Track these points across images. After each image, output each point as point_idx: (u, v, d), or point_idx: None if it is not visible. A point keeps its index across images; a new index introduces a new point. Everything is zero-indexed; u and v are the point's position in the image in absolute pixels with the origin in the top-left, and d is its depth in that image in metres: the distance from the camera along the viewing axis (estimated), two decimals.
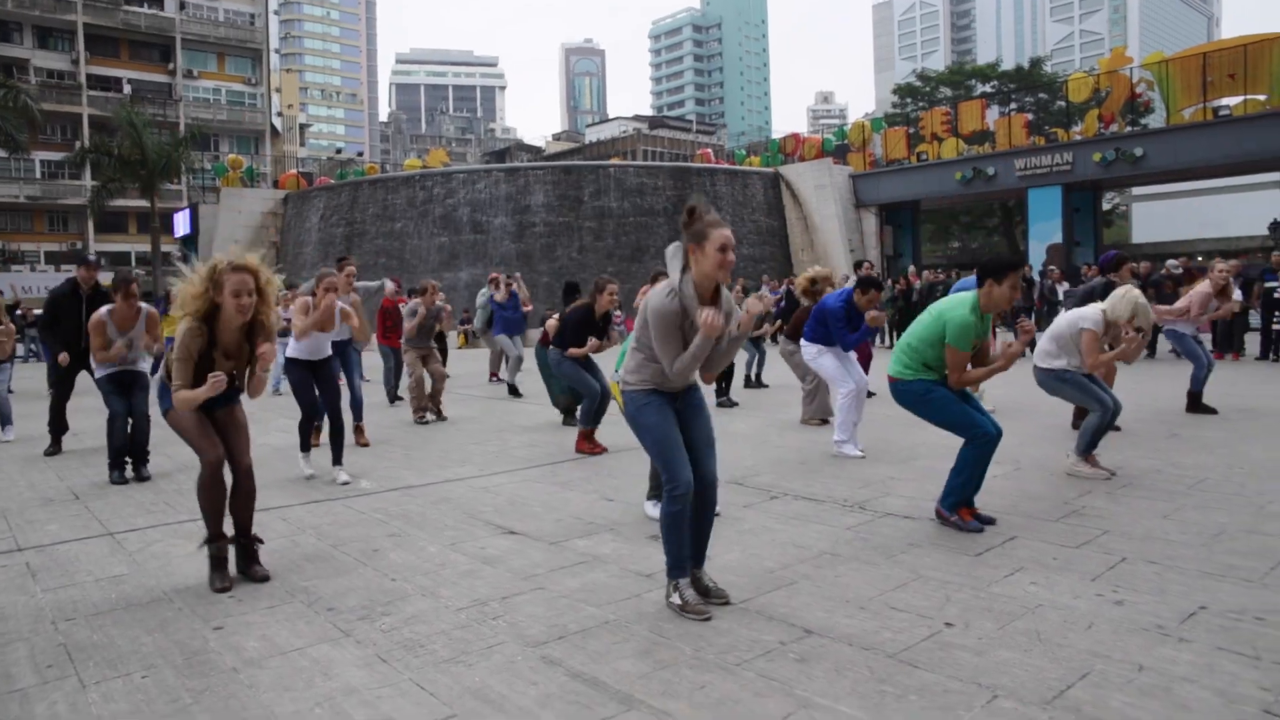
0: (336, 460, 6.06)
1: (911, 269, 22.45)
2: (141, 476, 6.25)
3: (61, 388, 7.56)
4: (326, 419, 6.19)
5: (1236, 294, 8.62)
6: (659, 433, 3.23)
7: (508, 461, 6.58)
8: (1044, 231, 25.35)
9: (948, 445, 4.74)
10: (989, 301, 4.24)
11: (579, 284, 9.46)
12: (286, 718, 2.52)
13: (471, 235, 29.04)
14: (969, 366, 4.35)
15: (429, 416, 8.96)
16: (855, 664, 2.74)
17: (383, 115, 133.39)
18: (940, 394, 4.33)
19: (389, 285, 9.50)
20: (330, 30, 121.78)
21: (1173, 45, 73.26)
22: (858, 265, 13.91)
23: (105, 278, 7.33)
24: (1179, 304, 8.02)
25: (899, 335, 5.34)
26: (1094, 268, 15.09)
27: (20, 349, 25.18)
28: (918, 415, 4.45)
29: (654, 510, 4.52)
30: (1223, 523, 4.20)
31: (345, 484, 5.87)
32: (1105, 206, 35.12)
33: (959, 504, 4.26)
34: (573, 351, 7.03)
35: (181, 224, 35.11)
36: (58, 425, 7.54)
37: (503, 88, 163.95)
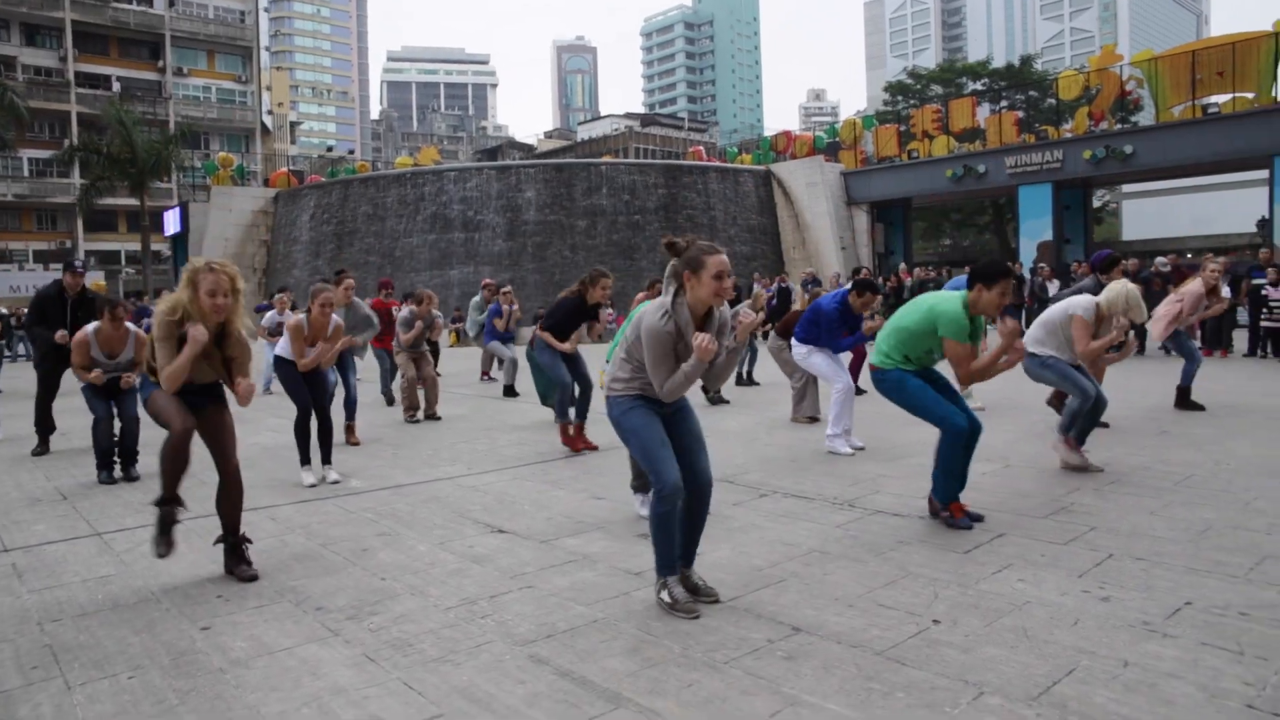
0: (325, 459, 6.05)
1: (902, 266, 22.55)
2: (130, 477, 6.22)
3: (47, 387, 7.52)
4: (315, 418, 6.16)
5: (1225, 291, 8.64)
6: (644, 435, 3.22)
7: (497, 460, 6.58)
8: (1034, 229, 25.42)
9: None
10: (977, 304, 4.22)
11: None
12: (273, 718, 2.51)
13: (463, 233, 28.96)
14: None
15: (419, 415, 8.94)
16: (843, 661, 2.75)
17: (374, 113, 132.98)
18: (914, 384, 4.33)
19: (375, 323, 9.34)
20: (321, 28, 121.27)
21: (1162, 43, 73.60)
22: (856, 271, 13.91)
23: (95, 277, 7.32)
24: (1170, 308, 7.92)
25: None
26: (1084, 265, 15.16)
27: (8, 350, 25.06)
28: (896, 404, 4.45)
29: (644, 509, 4.52)
30: (1209, 519, 4.22)
31: (335, 483, 5.86)
32: (1096, 204, 35.23)
33: (949, 498, 4.27)
34: (551, 341, 6.87)
35: (171, 222, 34.90)
36: (45, 425, 7.50)
37: (494, 85, 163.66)
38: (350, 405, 7.70)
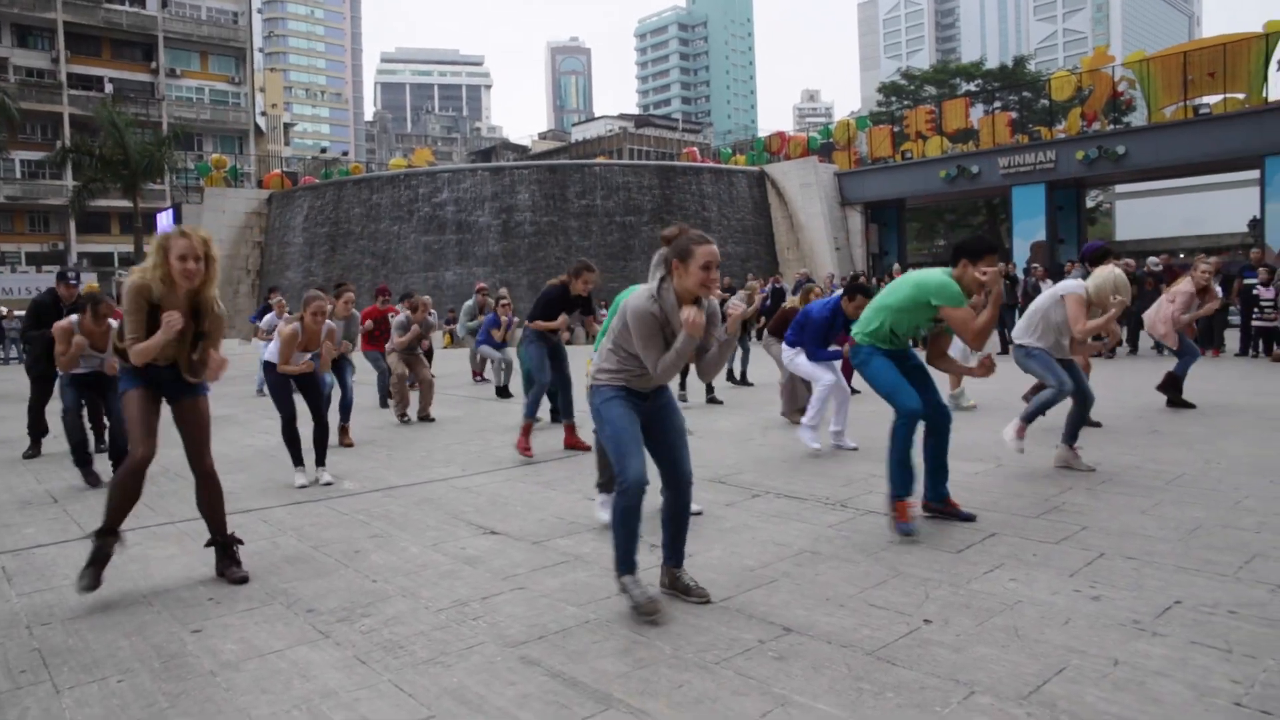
0: (320, 461, 6.04)
1: (896, 267, 22.51)
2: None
3: (41, 390, 7.49)
4: (311, 420, 6.14)
5: (1217, 291, 8.64)
6: (619, 425, 3.19)
7: (490, 461, 6.57)
8: (1028, 229, 25.51)
9: None
10: (961, 279, 4.14)
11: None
12: None
13: (457, 235, 28.96)
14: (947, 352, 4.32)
15: (410, 416, 8.94)
16: (833, 661, 2.75)
17: (368, 114, 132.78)
18: (880, 362, 4.27)
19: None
20: (314, 29, 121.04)
21: (1154, 44, 73.84)
22: (854, 277, 13.92)
23: (88, 279, 7.31)
24: (1166, 309, 7.89)
25: None
26: (1075, 264, 15.19)
27: (0, 352, 24.97)
28: (863, 377, 4.38)
29: (604, 511, 4.45)
30: (1199, 518, 4.24)
31: (328, 484, 5.85)
32: (1089, 204, 35.35)
33: (898, 493, 4.11)
34: (539, 324, 6.71)
35: (165, 224, 34.80)
36: (37, 428, 7.47)
37: (488, 87, 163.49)
38: (345, 407, 7.70)
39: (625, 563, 3.22)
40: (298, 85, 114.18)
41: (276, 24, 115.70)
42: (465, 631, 3.12)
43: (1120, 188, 40.47)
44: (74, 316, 6.23)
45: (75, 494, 5.83)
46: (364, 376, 11.59)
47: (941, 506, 4.41)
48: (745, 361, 11.31)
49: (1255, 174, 22.58)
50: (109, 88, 46.61)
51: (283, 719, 2.51)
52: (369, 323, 9.87)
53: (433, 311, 9.86)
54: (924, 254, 42.79)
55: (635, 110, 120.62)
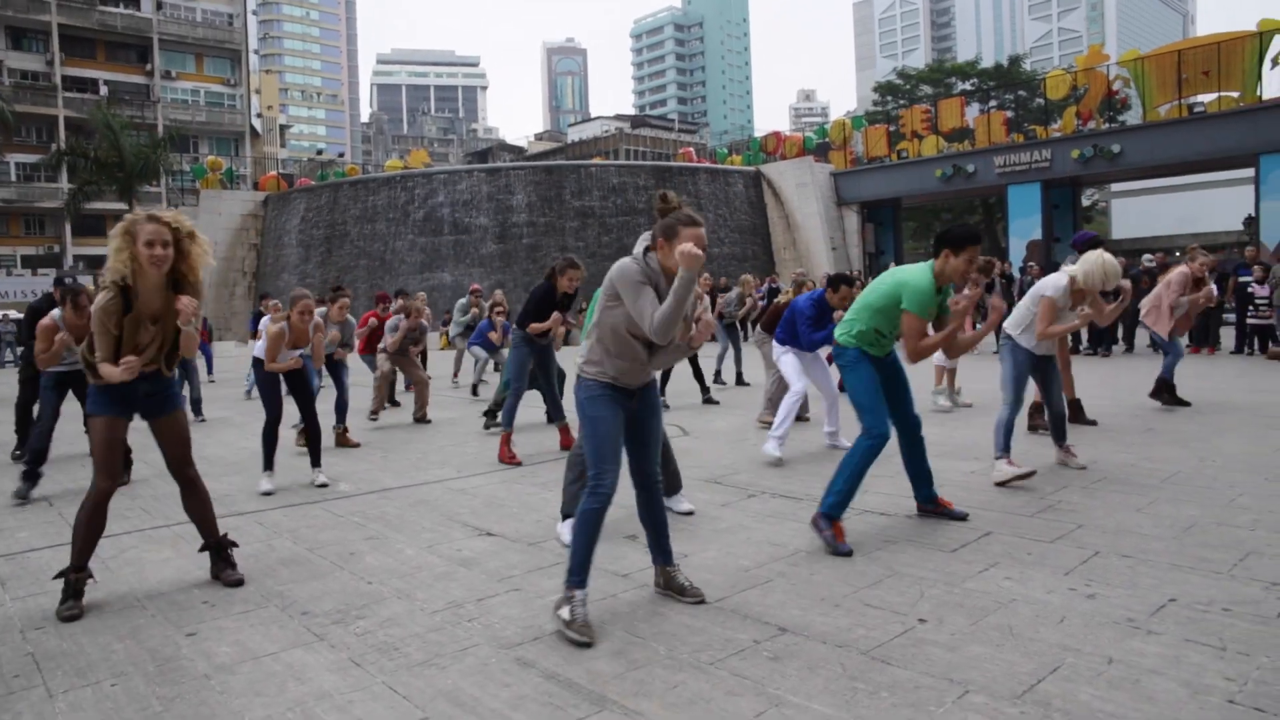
0: (315, 463, 6.03)
1: (892, 265, 22.51)
2: (120, 481, 6.19)
3: (28, 391, 7.46)
4: (304, 421, 6.13)
5: (1212, 289, 8.64)
6: (603, 427, 3.12)
7: (486, 463, 6.56)
8: (1024, 228, 25.55)
9: (926, 442, 4.74)
10: (943, 271, 4.05)
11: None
12: None
13: (453, 236, 28.93)
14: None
15: (379, 416, 8.93)
16: (828, 661, 2.75)
17: (364, 116, 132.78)
18: (866, 372, 4.15)
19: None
20: (310, 30, 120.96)
21: (1149, 43, 74.01)
22: (850, 283, 13.87)
23: (84, 281, 7.26)
24: (1155, 295, 7.90)
25: None
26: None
27: None
28: (844, 381, 4.28)
29: (567, 534, 4.05)
30: (1194, 516, 4.24)
31: (323, 486, 5.84)
32: (1085, 203, 35.41)
33: (835, 512, 3.99)
34: (534, 326, 6.62)
35: None
36: (26, 429, 7.45)
37: (484, 88, 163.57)
38: (341, 409, 7.69)
39: (578, 573, 3.09)
40: (293, 87, 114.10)
41: (272, 26, 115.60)
42: (460, 633, 3.12)
43: (1116, 186, 40.60)
44: (56, 312, 6.09)
45: (70, 497, 5.81)
46: (362, 379, 11.59)
47: (933, 507, 4.42)
48: (739, 361, 11.30)
49: (1250, 172, 22.64)
50: (104, 90, 46.49)
51: None
52: (369, 324, 9.87)
53: (428, 317, 9.87)
54: (920, 253, 42.81)
55: (631, 111, 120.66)
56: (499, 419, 7.32)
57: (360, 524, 4.80)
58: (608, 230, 28.71)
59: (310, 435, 6.03)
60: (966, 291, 4.16)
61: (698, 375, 9.69)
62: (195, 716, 2.56)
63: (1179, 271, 7.87)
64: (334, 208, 30.95)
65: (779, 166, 31.11)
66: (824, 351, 6.58)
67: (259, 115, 59.25)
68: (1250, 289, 12.66)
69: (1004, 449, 5.09)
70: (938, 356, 8.15)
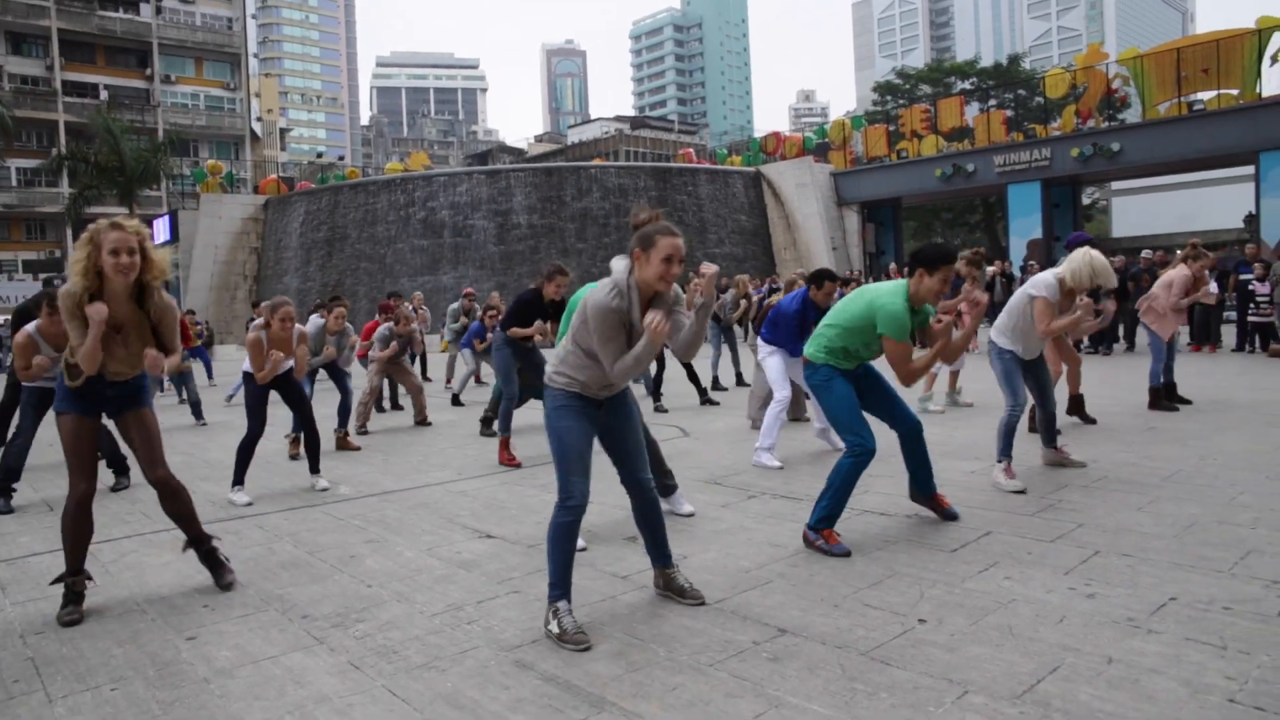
0: (314, 468, 6.02)
1: (893, 266, 22.55)
2: (120, 486, 6.21)
3: (11, 396, 7.40)
4: (301, 429, 6.09)
5: (1213, 287, 8.61)
6: (568, 439, 3.09)
7: (486, 465, 6.56)
8: (1024, 227, 25.54)
9: (927, 441, 4.73)
10: (918, 292, 3.98)
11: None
12: None
13: (454, 238, 28.94)
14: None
15: (368, 427, 8.85)
16: (828, 662, 2.75)
17: (364, 119, 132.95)
18: (840, 388, 4.07)
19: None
20: (309, 34, 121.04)
21: (1148, 41, 73.98)
22: (845, 282, 13.84)
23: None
24: (1156, 297, 7.83)
25: None
26: None
27: None
28: (819, 402, 4.21)
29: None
30: (1195, 514, 4.24)
31: (324, 490, 5.84)
32: (1085, 201, 35.40)
33: (826, 522, 3.97)
34: (514, 331, 6.58)
35: (161, 231, 34.77)
36: (3, 435, 7.38)
37: (484, 90, 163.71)
38: (344, 412, 7.70)
39: (560, 586, 3.07)
40: (293, 90, 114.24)
41: (271, 29, 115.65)
42: (459, 636, 3.12)
43: (1116, 185, 40.57)
44: (31, 327, 5.72)
45: None
46: (361, 383, 11.58)
47: (928, 502, 4.36)
48: (737, 362, 11.30)
49: (1250, 170, 22.62)
50: (104, 95, 46.54)
51: None
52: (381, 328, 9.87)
53: (421, 310, 9.80)
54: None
55: (631, 112, 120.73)
56: (495, 428, 7.32)
57: (361, 527, 4.80)
58: (608, 232, 28.71)
59: (309, 443, 6.01)
60: (966, 289, 4.13)
61: (692, 378, 9.69)
62: None
63: (1180, 275, 7.76)
64: (334, 211, 30.97)
65: (779, 167, 31.12)
66: None
67: (259, 119, 59.29)
68: (1251, 286, 12.65)
69: (1004, 453, 5.04)
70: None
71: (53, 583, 3.59)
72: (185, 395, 10.31)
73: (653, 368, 9.56)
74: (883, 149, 29.62)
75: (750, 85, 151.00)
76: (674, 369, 11.12)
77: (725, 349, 11.20)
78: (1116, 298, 12.13)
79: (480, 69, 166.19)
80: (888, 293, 4.00)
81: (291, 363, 6.00)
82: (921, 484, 4.36)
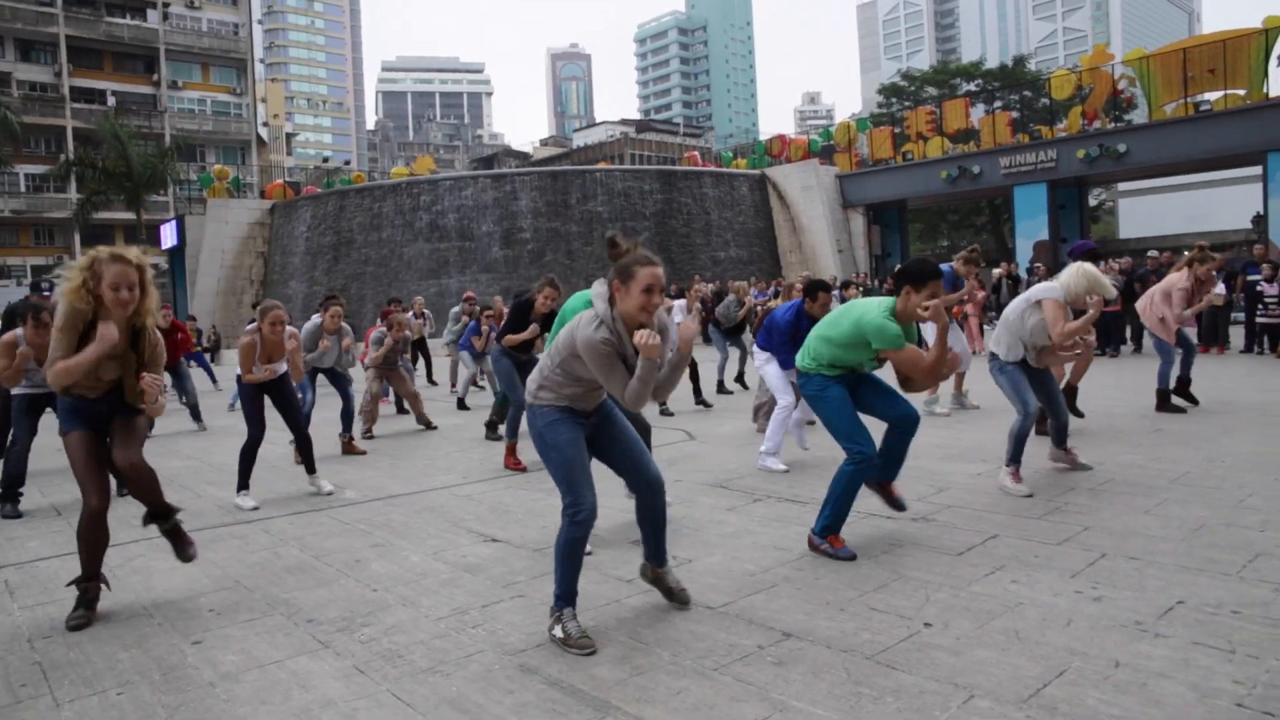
0: (310, 470, 6.03)
1: (898, 268, 22.44)
2: (126, 491, 6.21)
3: (5, 405, 7.39)
4: (293, 434, 6.08)
5: (1220, 288, 8.52)
6: (567, 453, 3.07)
7: (492, 469, 6.57)
8: (1030, 229, 25.48)
9: (933, 444, 4.75)
10: (905, 308, 3.87)
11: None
12: None
13: (459, 242, 28.99)
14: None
15: (374, 431, 8.85)
16: (833, 666, 2.74)
17: (369, 123, 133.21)
18: (834, 395, 4.01)
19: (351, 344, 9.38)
20: (315, 39, 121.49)
21: (1154, 41, 73.78)
22: (845, 285, 13.77)
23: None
24: (1156, 305, 7.71)
25: None
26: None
27: None
28: (815, 412, 4.15)
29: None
30: (1202, 517, 4.22)
31: (329, 494, 5.85)
32: (1092, 203, 35.31)
33: (830, 528, 3.94)
34: (509, 339, 6.59)
35: (168, 236, 34.96)
36: (3, 431, 7.36)
37: (489, 94, 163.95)
38: (347, 417, 7.71)
39: (566, 596, 3.07)
40: (299, 95, 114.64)
41: (277, 34, 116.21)
42: (464, 640, 3.12)
43: (1122, 186, 40.47)
44: (18, 330, 5.73)
45: (79, 506, 5.81)
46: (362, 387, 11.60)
47: (877, 488, 4.22)
48: (742, 361, 11.29)
49: (1258, 170, 22.52)
50: (111, 100, 46.83)
51: None
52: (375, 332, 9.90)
53: (425, 313, 9.79)
54: (927, 255, 42.73)
55: (636, 115, 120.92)
56: (499, 432, 7.32)
57: (366, 531, 4.81)
58: None
59: (300, 444, 6.00)
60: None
61: (692, 377, 9.69)
62: None
63: (1178, 286, 7.58)
64: (340, 215, 31.05)
65: (784, 169, 31.11)
66: None
67: (265, 124, 59.59)
68: (1259, 288, 12.58)
69: (1013, 459, 4.99)
70: None
71: (69, 584, 3.61)
72: (185, 398, 10.34)
73: None
74: (888, 151, 29.58)
75: (755, 88, 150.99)
76: None
77: (733, 352, 11.18)
78: (1124, 299, 12.10)
79: (485, 73, 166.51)
80: (873, 313, 3.89)
81: (284, 367, 5.97)
82: (885, 470, 4.19)
